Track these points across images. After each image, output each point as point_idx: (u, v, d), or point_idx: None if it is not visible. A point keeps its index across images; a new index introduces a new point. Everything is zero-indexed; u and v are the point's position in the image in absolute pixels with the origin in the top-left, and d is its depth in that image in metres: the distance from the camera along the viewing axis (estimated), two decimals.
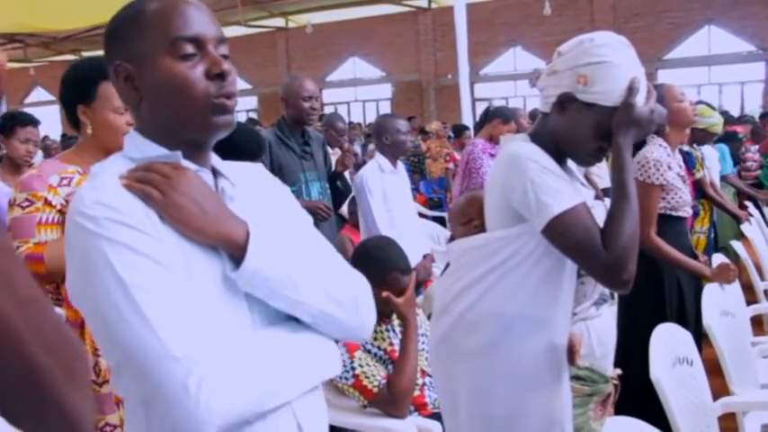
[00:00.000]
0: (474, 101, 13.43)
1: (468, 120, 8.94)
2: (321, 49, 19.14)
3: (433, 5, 17.74)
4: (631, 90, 1.60)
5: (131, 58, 1.11)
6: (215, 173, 1.19)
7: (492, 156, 4.96)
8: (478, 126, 5.70)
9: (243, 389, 1.01)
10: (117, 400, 1.91)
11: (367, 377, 2.29)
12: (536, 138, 1.76)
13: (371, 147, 10.35)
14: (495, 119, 5.06)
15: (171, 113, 1.11)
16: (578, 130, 1.68)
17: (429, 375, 2.49)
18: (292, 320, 1.13)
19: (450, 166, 8.08)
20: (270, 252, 1.08)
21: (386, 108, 19.28)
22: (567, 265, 1.67)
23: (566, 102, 1.67)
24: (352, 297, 1.17)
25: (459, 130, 9.16)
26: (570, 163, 1.80)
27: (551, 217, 1.59)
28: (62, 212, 1.95)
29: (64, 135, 13.47)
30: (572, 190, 1.65)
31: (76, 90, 2.08)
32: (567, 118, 1.68)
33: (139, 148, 1.13)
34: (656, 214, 2.81)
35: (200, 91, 1.08)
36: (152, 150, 1.12)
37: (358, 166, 6.98)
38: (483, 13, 14.80)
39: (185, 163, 1.12)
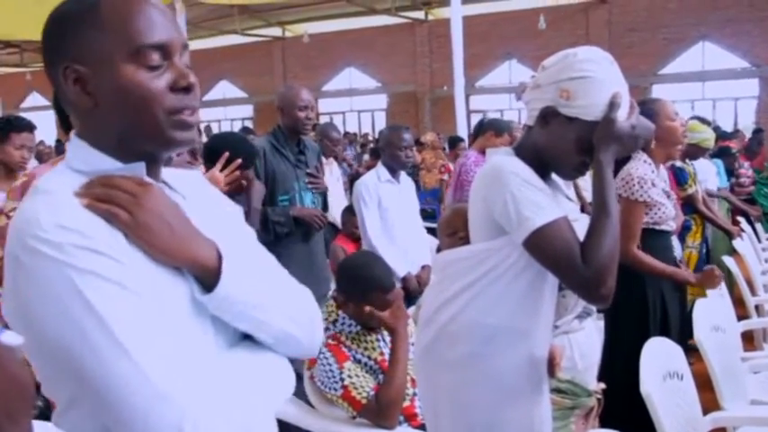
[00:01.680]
0: (469, 113, 13.49)
1: (463, 131, 8.96)
2: (318, 59, 19.21)
3: (430, 17, 17.83)
4: (612, 105, 1.61)
5: (84, 59, 0.99)
6: (166, 186, 1.10)
7: None
8: (472, 138, 5.71)
9: (231, 425, 0.97)
10: None
11: (356, 388, 2.29)
12: (519, 151, 1.77)
13: (366, 157, 10.40)
14: (488, 131, 5.07)
15: (129, 125, 1.00)
16: (560, 144, 1.69)
17: None
18: (249, 338, 1.09)
19: (445, 177, 8.10)
20: (239, 275, 1.03)
21: (381, 118, 19.35)
22: (549, 278, 1.68)
23: (548, 115, 1.68)
24: (309, 316, 1.14)
25: (454, 141, 9.18)
26: (555, 176, 1.82)
27: (531, 230, 1.60)
28: None
29: (59, 141, 13.48)
30: (553, 204, 1.66)
31: None
32: (550, 131, 1.69)
33: (88, 161, 1.02)
34: (639, 230, 2.82)
35: (163, 105, 0.99)
36: (105, 163, 1.02)
37: (353, 177, 7.01)
38: (479, 25, 14.89)
39: (148, 178, 1.03)
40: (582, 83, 1.62)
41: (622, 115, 1.63)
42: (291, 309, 1.11)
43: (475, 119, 12.25)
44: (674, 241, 3.01)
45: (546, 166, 1.75)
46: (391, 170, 4.02)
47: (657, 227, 2.88)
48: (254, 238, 1.20)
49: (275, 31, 19.81)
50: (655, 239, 2.88)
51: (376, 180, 3.98)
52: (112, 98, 0.99)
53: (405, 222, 4.07)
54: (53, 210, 0.93)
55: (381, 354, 2.46)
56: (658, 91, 14.50)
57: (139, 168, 1.02)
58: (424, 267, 4.09)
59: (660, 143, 2.92)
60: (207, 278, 1.01)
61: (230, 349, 1.06)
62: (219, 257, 1.02)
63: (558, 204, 1.69)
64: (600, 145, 1.63)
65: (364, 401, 2.28)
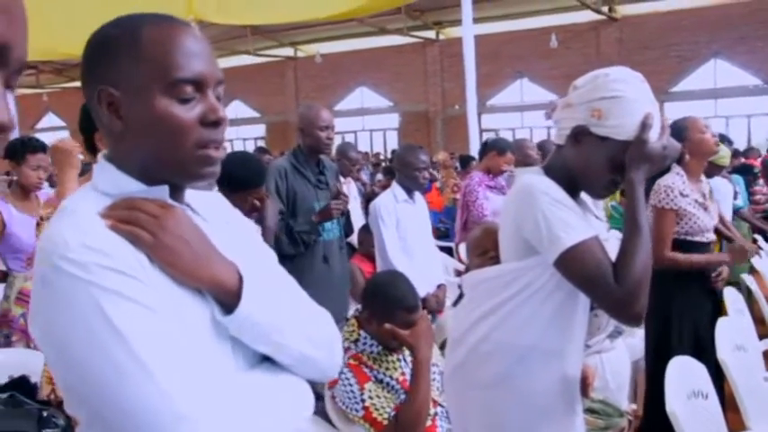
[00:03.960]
0: (481, 131, 13.51)
1: (475, 150, 8.97)
2: (329, 79, 19.33)
3: (441, 37, 17.93)
4: (645, 126, 1.62)
5: (119, 84, 1.01)
6: (189, 208, 1.12)
7: (489, 187, 4.92)
8: (479, 158, 5.73)
9: None
10: None
11: (376, 409, 2.29)
12: (549, 170, 1.77)
13: (379, 176, 10.42)
14: (491, 151, 5.06)
15: (156, 153, 1.02)
16: (592, 163, 1.69)
17: (441, 405, 2.48)
18: (268, 360, 1.10)
19: (458, 196, 8.10)
20: (259, 297, 1.04)
21: (393, 138, 19.41)
22: (580, 297, 1.68)
23: (580, 134, 1.69)
24: (328, 338, 1.15)
25: (466, 160, 9.19)
26: (584, 195, 1.82)
27: (562, 250, 1.60)
28: None
29: None
30: (584, 223, 1.66)
31: None
32: (581, 151, 1.70)
33: (115, 183, 1.04)
34: (670, 237, 2.90)
35: (191, 138, 1.01)
36: (130, 185, 1.04)
37: (368, 196, 7.02)
38: (490, 44, 14.94)
39: (171, 201, 1.05)
40: (614, 102, 1.63)
41: (654, 136, 1.64)
42: (310, 331, 1.11)
43: (486, 137, 12.30)
44: (711, 252, 3.09)
45: (576, 184, 1.75)
46: (407, 190, 4.02)
47: (690, 238, 2.94)
48: (274, 259, 1.21)
49: (287, 52, 19.96)
50: (687, 250, 2.95)
51: (393, 200, 3.98)
52: (143, 125, 1.01)
53: (421, 242, 4.07)
54: (79, 230, 0.96)
55: (402, 374, 2.45)
56: (670, 109, 14.47)
57: (163, 191, 1.04)
58: (439, 286, 4.08)
59: (694, 156, 3.05)
60: (227, 300, 1.02)
61: (250, 370, 1.07)
62: (240, 279, 1.03)
63: (588, 224, 1.70)
64: (632, 165, 1.63)
65: (385, 422, 2.28)
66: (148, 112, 1.00)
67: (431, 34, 17.85)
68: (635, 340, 3.02)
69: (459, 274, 5.69)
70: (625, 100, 1.63)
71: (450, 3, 12.04)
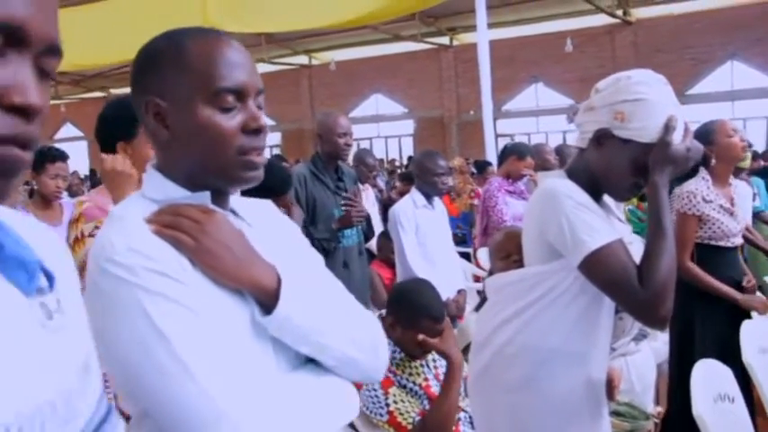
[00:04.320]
0: (496, 136, 13.50)
1: (492, 156, 8.97)
2: (344, 86, 19.38)
3: (455, 43, 17.93)
4: (668, 128, 1.62)
5: (165, 95, 1.07)
6: (233, 214, 1.16)
7: (509, 192, 4.94)
8: (498, 164, 5.74)
9: None
10: None
11: (401, 413, 2.29)
12: (572, 173, 1.77)
13: (396, 183, 10.43)
14: (511, 156, 5.07)
15: (200, 161, 1.08)
16: (615, 166, 1.69)
17: (464, 411, 2.48)
18: (312, 362, 1.12)
19: (475, 202, 8.09)
20: (299, 298, 1.07)
21: (408, 144, 19.41)
22: (605, 300, 1.68)
23: (602, 137, 1.69)
24: (372, 340, 1.16)
25: (482, 166, 9.18)
26: (607, 198, 1.82)
27: (587, 253, 1.60)
28: None
29: (92, 171, 13.73)
30: (608, 226, 1.66)
31: (118, 127, 2.12)
32: (604, 153, 1.70)
33: (161, 190, 1.10)
34: (691, 243, 2.87)
35: (234, 145, 1.06)
36: (175, 192, 1.09)
37: (385, 203, 7.03)
38: (505, 49, 14.92)
39: (213, 206, 1.09)
40: (637, 105, 1.63)
41: (677, 138, 1.64)
42: (354, 333, 1.13)
43: (502, 143, 12.28)
44: (737, 258, 3.03)
45: (598, 187, 1.75)
46: (426, 196, 4.03)
47: (713, 242, 2.91)
48: (321, 264, 1.24)
49: (302, 59, 20.04)
50: (711, 255, 2.92)
51: (412, 206, 3.99)
52: (187, 134, 1.07)
53: (441, 248, 4.08)
54: (125, 234, 1.01)
55: (426, 379, 2.46)
56: (687, 111, 14.29)
57: (205, 197, 1.09)
58: (459, 292, 4.08)
59: (720, 160, 2.99)
60: (266, 300, 1.05)
61: (292, 372, 1.09)
62: (279, 281, 1.06)
63: (612, 226, 1.70)
64: (655, 167, 1.63)
65: (410, 427, 2.28)
66: (192, 121, 1.05)
67: (445, 40, 17.86)
68: (658, 344, 3.01)
69: (477, 279, 5.69)
70: (648, 102, 1.63)
71: (464, 8, 12.06)
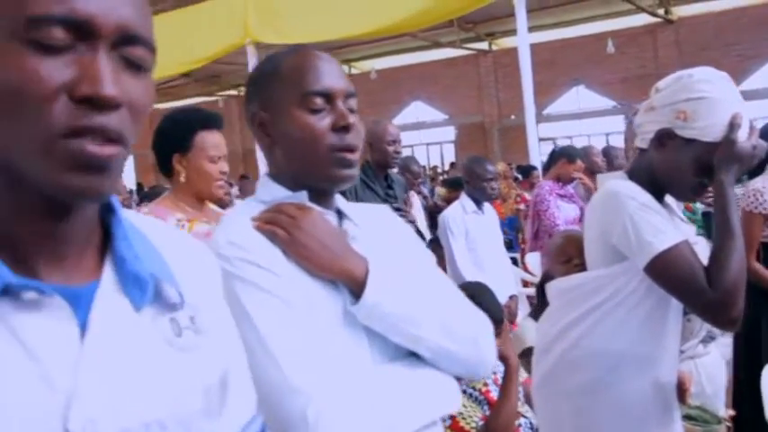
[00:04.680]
0: (539, 140, 13.39)
1: (535, 160, 8.90)
2: (384, 94, 19.41)
3: (494, 48, 17.85)
4: (733, 126, 1.59)
5: (267, 106, 1.20)
6: (340, 214, 1.25)
7: (560, 196, 4.91)
8: (546, 168, 5.69)
9: (359, 423, 1.03)
10: None
11: (464, 418, 2.29)
12: (633, 174, 1.75)
13: (437, 189, 10.41)
14: (561, 159, 5.05)
15: (298, 162, 1.18)
16: (678, 166, 1.67)
17: (524, 416, 2.47)
18: (412, 356, 1.15)
19: (522, 206, 8.03)
20: (389, 287, 1.12)
21: (450, 150, 19.37)
22: (673, 303, 1.65)
23: (664, 137, 1.67)
24: (472, 333, 1.18)
25: (527, 170, 9.11)
26: (669, 199, 1.79)
27: (653, 255, 1.57)
28: None
29: (139, 184, 13.97)
30: (672, 227, 1.64)
31: (173, 139, 2.18)
32: (666, 154, 1.68)
33: (269, 192, 1.22)
34: (757, 242, 2.83)
35: (324, 143, 1.16)
36: (280, 193, 1.20)
37: (430, 210, 7.03)
38: (545, 52, 14.81)
39: (310, 203, 1.18)
40: (700, 104, 1.60)
41: (743, 135, 1.60)
42: (452, 325, 1.16)
43: (544, 146, 12.19)
44: None
45: (661, 188, 1.73)
46: (476, 201, 4.03)
47: None
48: (431, 262, 1.32)
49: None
50: None
51: (462, 212, 4.01)
52: (285, 139, 1.19)
53: (492, 253, 4.07)
54: (228, 230, 1.13)
55: (485, 384, 2.44)
56: None
57: (302, 196, 1.19)
58: (511, 297, 4.06)
59: None
60: (356, 289, 1.11)
61: (387, 362, 1.13)
62: (368, 270, 1.12)
63: (676, 227, 1.67)
64: (721, 166, 1.60)
65: (473, 431, 2.28)
66: (287, 124, 1.18)
67: (483, 45, 17.79)
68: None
69: (526, 284, 5.65)
70: (711, 100, 1.60)
71: (503, 13, 12.00)
